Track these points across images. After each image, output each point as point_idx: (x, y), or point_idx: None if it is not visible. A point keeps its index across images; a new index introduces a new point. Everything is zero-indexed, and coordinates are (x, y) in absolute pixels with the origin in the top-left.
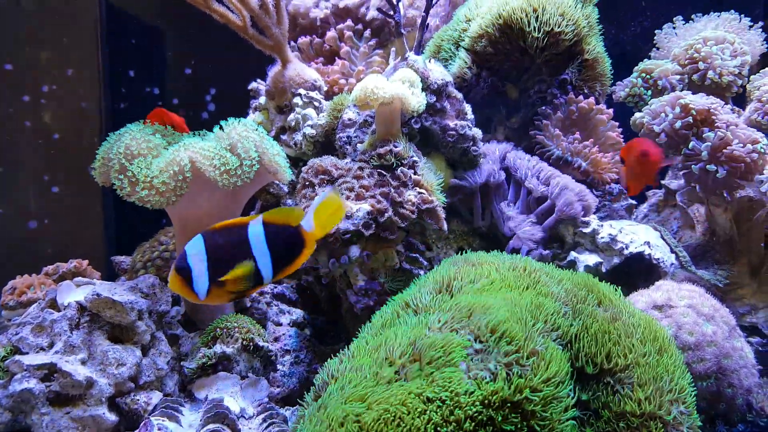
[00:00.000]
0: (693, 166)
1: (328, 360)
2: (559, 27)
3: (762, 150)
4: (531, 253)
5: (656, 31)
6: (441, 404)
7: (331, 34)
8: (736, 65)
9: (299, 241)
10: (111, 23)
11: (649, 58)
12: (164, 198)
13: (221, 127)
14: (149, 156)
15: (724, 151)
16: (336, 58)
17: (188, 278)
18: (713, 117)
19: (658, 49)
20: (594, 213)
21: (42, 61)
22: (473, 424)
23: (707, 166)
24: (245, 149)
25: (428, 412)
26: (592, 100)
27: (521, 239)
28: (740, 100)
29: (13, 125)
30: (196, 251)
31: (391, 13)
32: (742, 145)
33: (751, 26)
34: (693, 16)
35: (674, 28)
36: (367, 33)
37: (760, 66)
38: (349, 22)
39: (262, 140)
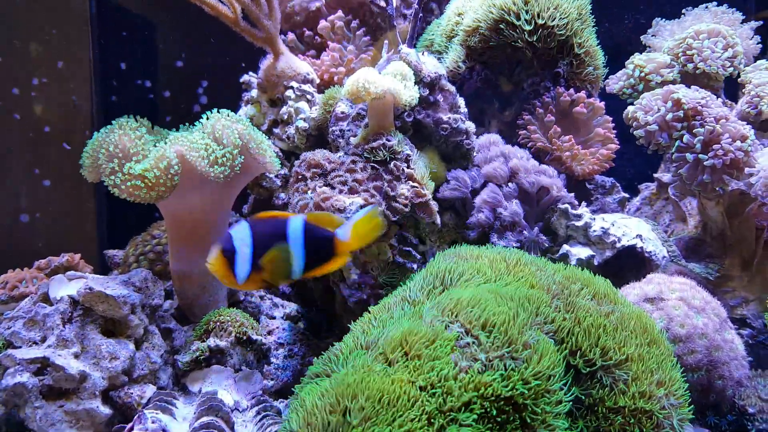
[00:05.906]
0: (688, 155)
1: (322, 354)
2: (551, 20)
3: (749, 147)
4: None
5: (650, 28)
6: (432, 394)
7: (323, 23)
8: (727, 57)
9: (331, 248)
10: (102, 15)
11: (642, 51)
12: (154, 193)
13: (206, 119)
14: (138, 152)
15: (714, 146)
16: (327, 49)
17: (231, 261)
18: (704, 111)
19: (650, 43)
20: (587, 206)
21: (32, 54)
22: (464, 414)
23: (699, 156)
24: (229, 138)
25: (420, 399)
26: (582, 94)
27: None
28: (733, 91)
29: (2, 118)
30: (242, 236)
31: (383, 4)
32: (731, 140)
33: (743, 21)
34: (683, 10)
35: (665, 24)
36: (355, 24)
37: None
38: (339, 13)
39: (246, 129)
